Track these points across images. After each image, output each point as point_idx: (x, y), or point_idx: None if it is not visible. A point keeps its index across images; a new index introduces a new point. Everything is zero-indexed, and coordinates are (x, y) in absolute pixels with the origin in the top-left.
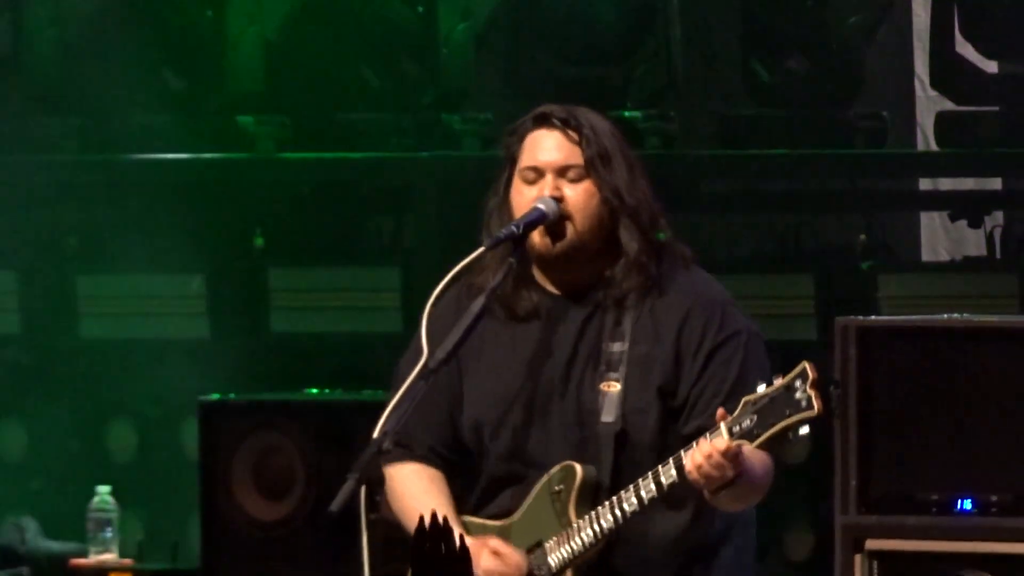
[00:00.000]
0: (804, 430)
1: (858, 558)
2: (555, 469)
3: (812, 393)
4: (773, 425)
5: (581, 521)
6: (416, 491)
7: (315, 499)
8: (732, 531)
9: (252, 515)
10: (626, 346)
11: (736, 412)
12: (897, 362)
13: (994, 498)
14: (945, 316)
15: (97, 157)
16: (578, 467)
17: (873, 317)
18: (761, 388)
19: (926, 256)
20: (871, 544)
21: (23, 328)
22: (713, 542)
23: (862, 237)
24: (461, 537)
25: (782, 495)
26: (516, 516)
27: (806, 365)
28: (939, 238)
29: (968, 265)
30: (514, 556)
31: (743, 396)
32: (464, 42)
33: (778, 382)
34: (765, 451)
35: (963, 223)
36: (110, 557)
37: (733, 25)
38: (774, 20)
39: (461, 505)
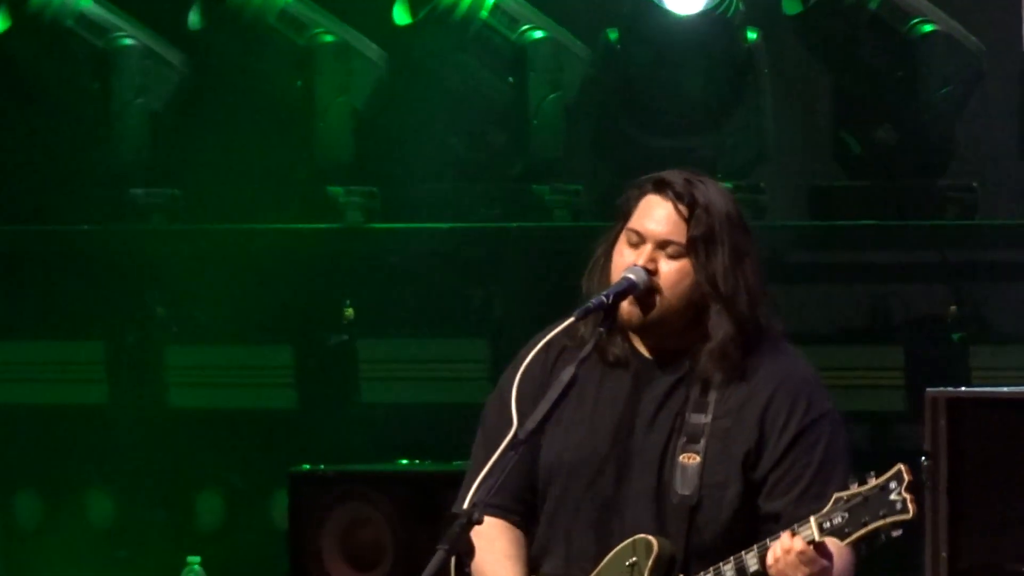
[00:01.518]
0: (896, 532)
1: None
2: (631, 540)
3: (907, 496)
4: (866, 525)
5: None
6: (496, 556)
7: (404, 571)
8: None
9: None
10: (709, 419)
11: (827, 508)
12: (987, 433)
13: None
14: None
15: (186, 227)
16: (655, 542)
17: (963, 388)
18: (854, 486)
19: None
20: None
21: (111, 398)
22: None
23: (953, 308)
24: None
25: (871, 569)
26: None
27: (902, 468)
28: None
29: None
30: None
31: (824, 483)
32: (554, 113)
33: (872, 481)
34: (848, 548)
35: None
36: None
37: (823, 95)
38: (864, 91)
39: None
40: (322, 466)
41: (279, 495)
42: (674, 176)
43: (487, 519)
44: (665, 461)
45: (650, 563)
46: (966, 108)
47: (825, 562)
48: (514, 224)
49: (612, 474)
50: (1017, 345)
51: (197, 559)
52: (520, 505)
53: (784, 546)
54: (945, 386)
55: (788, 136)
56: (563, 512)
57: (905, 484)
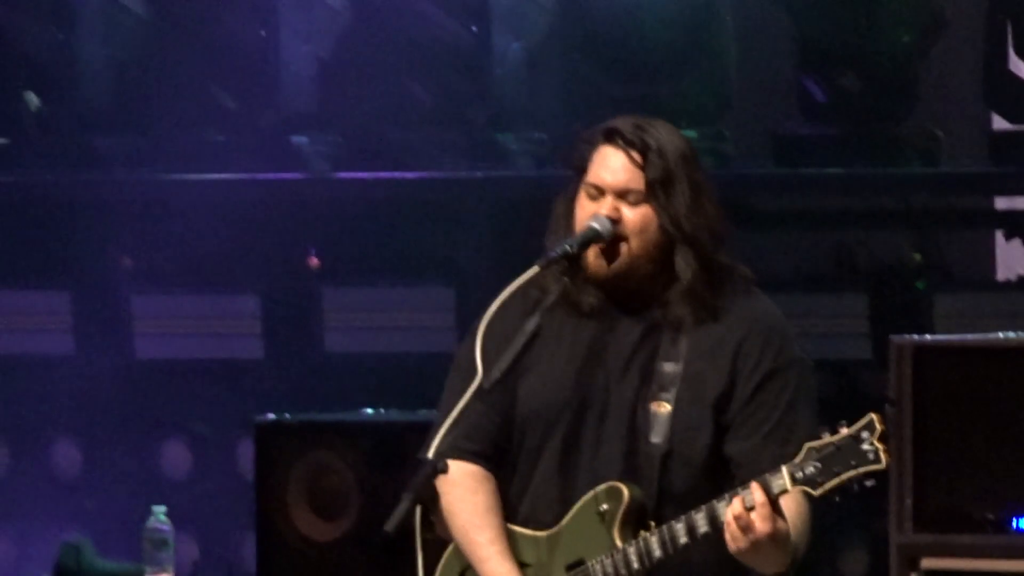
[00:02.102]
0: (869, 482)
1: None
2: (602, 487)
3: (880, 446)
4: (838, 475)
5: (627, 545)
6: (475, 508)
7: (370, 519)
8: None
9: (307, 535)
10: (680, 367)
11: (800, 458)
12: (952, 381)
13: None
14: (1000, 335)
15: (150, 176)
16: (625, 489)
17: (927, 336)
18: (825, 435)
19: (1001, 275)
20: (926, 563)
21: (77, 348)
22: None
23: (916, 255)
24: None
25: (837, 513)
26: (555, 530)
27: (873, 417)
28: (1016, 256)
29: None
30: None
31: (791, 426)
32: (518, 61)
33: (843, 431)
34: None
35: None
36: None
37: (786, 43)
38: (827, 37)
39: (504, 505)
40: (287, 415)
41: (245, 444)
42: (623, 124)
43: (464, 465)
44: (637, 409)
45: (621, 510)
46: (929, 54)
47: (783, 524)
48: (479, 173)
49: (585, 423)
50: (981, 292)
51: (163, 508)
52: (495, 452)
53: (737, 509)
54: (910, 333)
55: (751, 83)
56: (536, 462)
57: (877, 433)
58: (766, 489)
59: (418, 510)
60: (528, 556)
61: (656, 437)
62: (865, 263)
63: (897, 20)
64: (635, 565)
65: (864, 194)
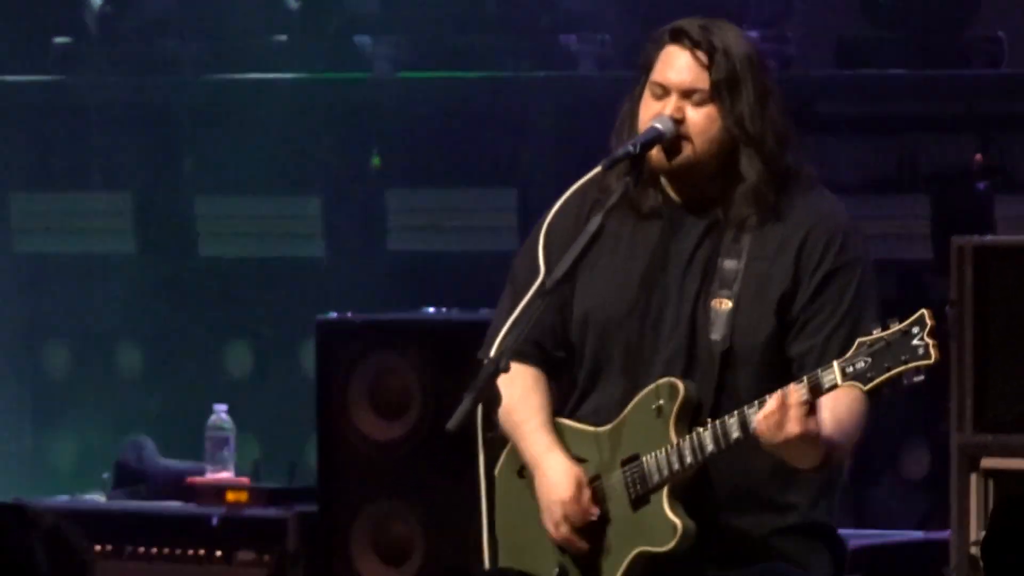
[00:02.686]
0: (919, 378)
1: (973, 477)
2: (658, 383)
3: (930, 341)
4: (889, 370)
5: (682, 440)
6: (515, 391)
7: (432, 418)
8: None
9: (369, 435)
10: (742, 264)
11: (850, 353)
12: (1013, 282)
13: None
14: None
15: (213, 78)
16: (681, 385)
17: (989, 237)
18: (876, 331)
19: None
20: (986, 463)
21: (139, 249)
22: (821, 479)
23: (977, 158)
24: None
25: (899, 414)
26: (613, 424)
27: (924, 313)
28: None
29: None
30: (594, 510)
31: (854, 324)
32: None
33: (895, 326)
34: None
35: None
36: (227, 476)
37: None
38: None
39: (560, 404)
40: (349, 314)
41: (307, 344)
42: (690, 24)
43: (518, 367)
44: (698, 307)
45: (676, 406)
46: None
47: (814, 426)
48: (541, 73)
49: (645, 323)
50: None
51: (225, 407)
52: (544, 354)
53: (772, 406)
54: (971, 235)
55: None
56: (597, 362)
57: (928, 329)
58: (816, 386)
59: (480, 409)
60: (587, 451)
61: (716, 334)
62: (927, 165)
63: None
64: (688, 459)
65: (927, 97)
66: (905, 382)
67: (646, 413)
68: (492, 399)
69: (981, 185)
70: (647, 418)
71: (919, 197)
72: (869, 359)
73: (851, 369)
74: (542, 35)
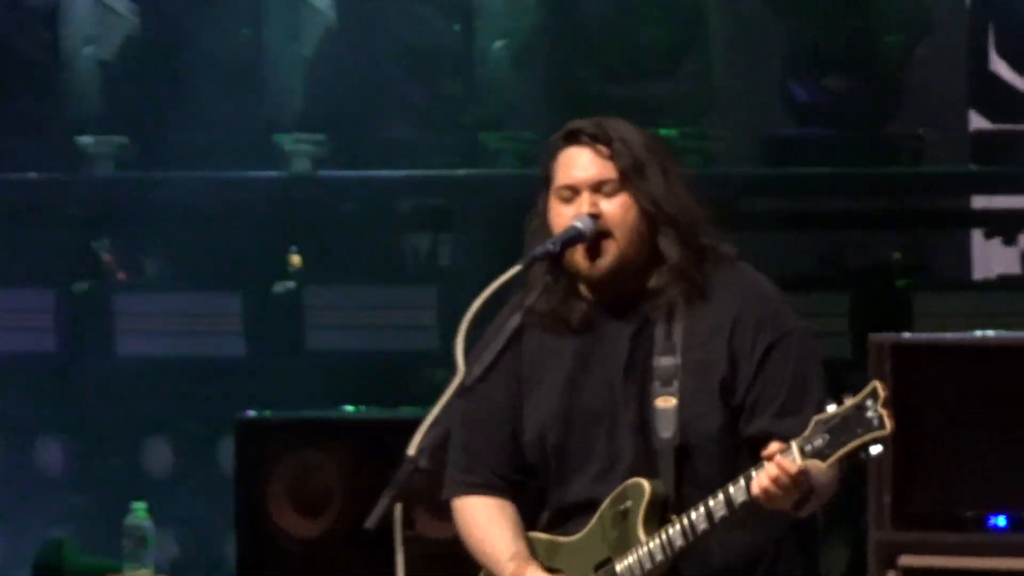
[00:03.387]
0: (876, 449)
1: (891, 574)
2: (625, 485)
3: (884, 412)
4: (845, 444)
5: (651, 539)
6: (483, 525)
7: (352, 516)
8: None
9: (289, 532)
10: (679, 359)
11: (807, 431)
12: (931, 379)
13: None
14: (978, 333)
15: (135, 175)
16: (646, 484)
17: (907, 335)
18: (831, 408)
19: (978, 274)
20: (904, 560)
21: (60, 346)
22: (775, 547)
23: (896, 255)
24: None
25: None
26: (584, 532)
27: (877, 385)
28: (992, 255)
29: (1005, 283)
30: None
31: (802, 394)
32: (502, 60)
33: (848, 401)
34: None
35: (997, 241)
36: (146, 573)
37: (774, 44)
38: (815, 38)
39: (531, 524)
40: (269, 413)
41: (226, 442)
42: (581, 123)
43: (471, 499)
44: (644, 405)
45: (643, 507)
46: (915, 56)
47: (809, 484)
48: (463, 172)
49: (595, 434)
50: (960, 292)
51: (143, 505)
52: (501, 481)
53: (771, 474)
54: (890, 332)
55: (739, 84)
56: (559, 476)
57: (881, 400)
58: (781, 465)
59: (399, 507)
60: (561, 562)
61: (666, 432)
62: (847, 262)
63: (884, 21)
64: (659, 557)
65: (849, 194)
66: (864, 456)
67: (614, 516)
68: (411, 496)
69: (900, 282)
70: (615, 521)
71: (838, 294)
72: (827, 435)
73: (809, 448)
74: (465, 132)
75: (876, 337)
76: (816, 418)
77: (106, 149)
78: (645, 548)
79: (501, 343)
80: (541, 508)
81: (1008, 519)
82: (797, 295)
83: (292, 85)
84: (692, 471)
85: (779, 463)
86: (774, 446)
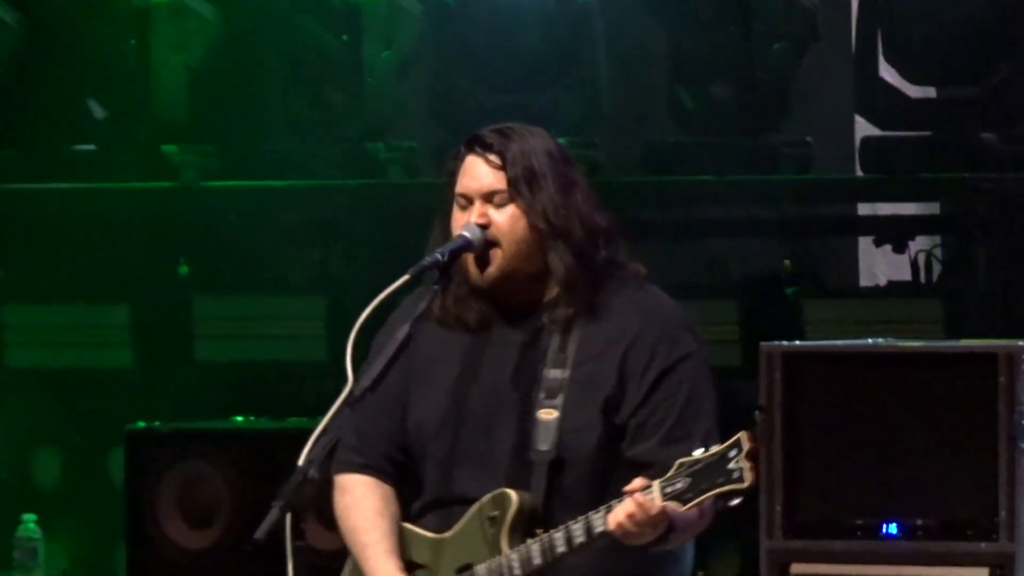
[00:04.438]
0: (735, 501)
1: None
2: (493, 494)
3: (746, 465)
4: (704, 492)
5: (512, 552)
6: (364, 511)
7: (241, 527)
8: (664, 564)
9: (178, 543)
10: (568, 372)
11: (671, 472)
12: (822, 387)
13: (919, 522)
14: (869, 341)
15: (22, 187)
16: (514, 496)
17: (797, 343)
18: (698, 452)
19: (864, 281)
20: (796, 568)
21: None
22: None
23: (786, 263)
24: None
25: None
26: (449, 534)
27: (742, 436)
28: (878, 263)
29: (894, 290)
30: None
31: (692, 421)
32: (388, 70)
33: (714, 448)
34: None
35: (888, 248)
36: None
37: (658, 52)
38: (699, 46)
39: (406, 511)
40: (158, 424)
41: (116, 453)
42: (486, 132)
43: (354, 477)
44: (525, 417)
45: (510, 516)
46: (800, 63)
47: (669, 523)
48: (350, 181)
49: (472, 435)
50: (850, 299)
51: (33, 517)
52: (390, 465)
53: (627, 509)
54: (780, 340)
55: (623, 92)
56: (429, 472)
57: (744, 452)
58: (640, 503)
59: (288, 517)
60: (425, 557)
61: (544, 444)
62: (735, 271)
63: (769, 29)
64: (517, 572)
65: (735, 202)
66: (720, 506)
67: (481, 523)
68: (301, 507)
69: (789, 289)
70: (480, 528)
71: (727, 302)
72: (689, 479)
73: (670, 489)
74: (351, 142)
75: (767, 346)
76: (680, 461)
77: None
78: (505, 560)
79: (390, 353)
80: (416, 496)
81: (899, 527)
82: (686, 304)
83: (178, 95)
84: (564, 486)
85: (638, 501)
86: (636, 482)
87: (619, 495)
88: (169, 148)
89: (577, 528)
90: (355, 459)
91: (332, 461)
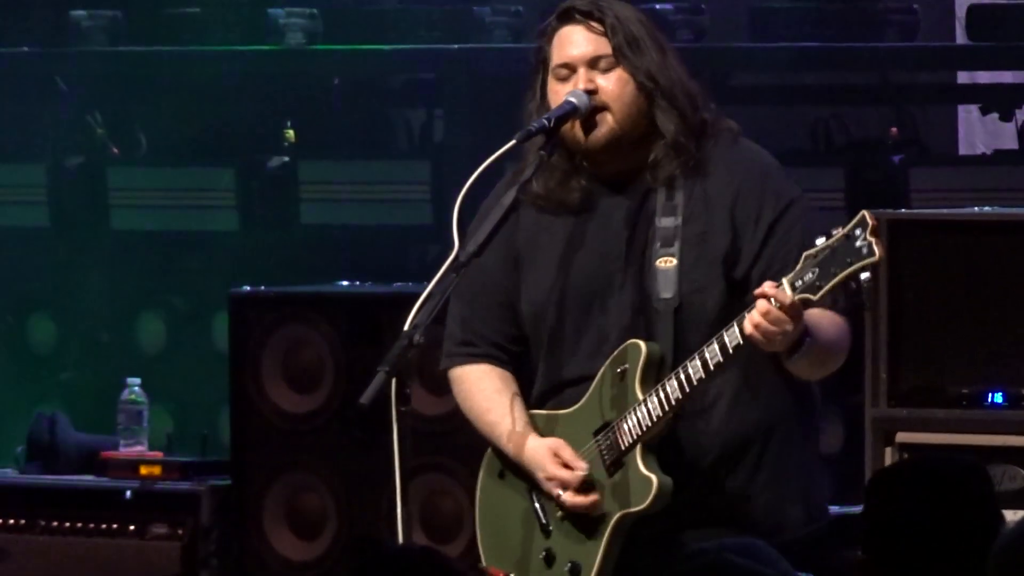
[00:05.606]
0: (865, 275)
1: (888, 451)
2: (620, 348)
3: (872, 240)
4: (835, 275)
5: (648, 396)
6: (485, 393)
7: (345, 392)
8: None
9: (282, 408)
10: (679, 221)
11: (798, 267)
12: (927, 255)
13: None
14: (975, 209)
15: (127, 49)
16: (642, 344)
17: (903, 210)
18: (820, 241)
19: (963, 149)
20: (901, 437)
21: (53, 220)
22: (768, 427)
23: (893, 130)
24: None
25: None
26: (582, 402)
27: (865, 213)
28: (977, 131)
29: (1000, 158)
30: (579, 463)
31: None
32: None
33: (837, 233)
34: (831, 308)
35: (995, 116)
36: (140, 449)
37: None
38: None
39: (526, 397)
40: (262, 287)
41: (220, 317)
42: (575, 1)
43: (470, 366)
44: (644, 269)
45: (640, 366)
46: None
47: (802, 320)
48: (455, 45)
49: (597, 298)
50: (955, 167)
51: (138, 380)
52: (501, 352)
53: (762, 308)
54: (885, 208)
55: None
56: (556, 349)
57: (869, 228)
58: (772, 295)
59: (394, 382)
60: (561, 434)
61: (666, 292)
62: (841, 138)
63: None
64: (657, 411)
65: (840, 69)
66: (853, 285)
67: (611, 380)
68: (406, 372)
69: (896, 158)
70: (612, 385)
71: (834, 170)
72: (816, 269)
73: (800, 282)
74: (455, 5)
75: (872, 213)
76: (806, 254)
77: (99, 23)
78: (644, 406)
79: (496, 219)
80: (531, 383)
81: (1004, 395)
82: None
83: None
84: (689, 335)
85: (770, 293)
86: (765, 285)
87: None
88: (275, 11)
89: (711, 351)
90: (464, 350)
91: (442, 353)
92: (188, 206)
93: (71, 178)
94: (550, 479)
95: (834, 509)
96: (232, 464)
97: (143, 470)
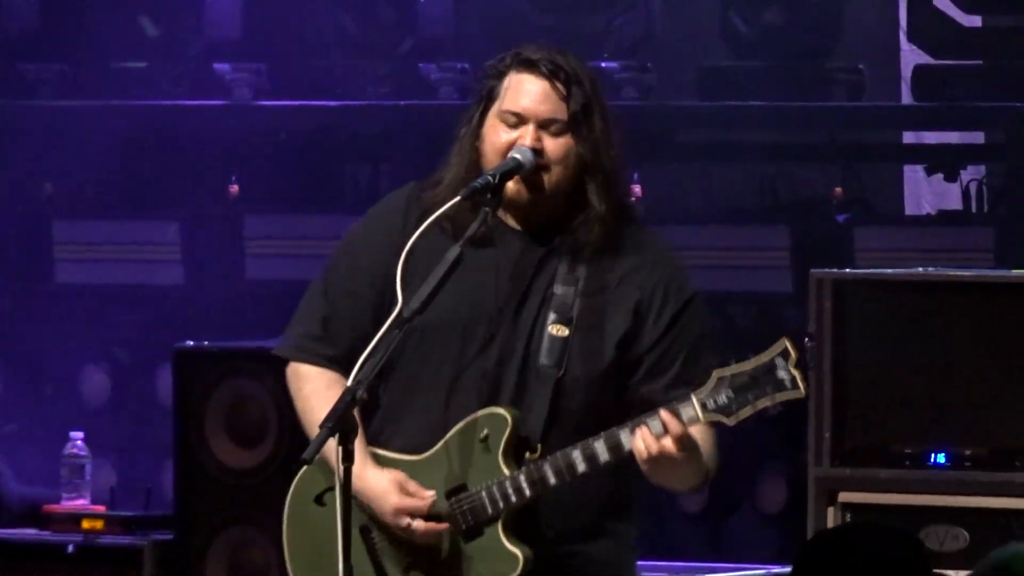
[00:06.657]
0: (777, 408)
1: (831, 510)
2: (483, 413)
3: (796, 373)
4: (754, 402)
5: (517, 472)
6: (331, 399)
7: (289, 447)
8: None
9: (226, 462)
10: (578, 294)
11: (709, 387)
12: (871, 315)
13: (968, 451)
14: (919, 269)
15: (74, 103)
16: (508, 415)
17: (848, 270)
18: (733, 364)
19: (910, 209)
20: (844, 497)
21: None
22: (629, 495)
23: (837, 190)
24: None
25: (757, 447)
26: (431, 452)
27: (786, 344)
28: (923, 191)
29: (945, 219)
30: (425, 493)
31: (695, 363)
32: None
33: (755, 358)
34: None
35: (940, 176)
36: (83, 503)
37: None
38: None
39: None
40: (207, 342)
41: (164, 371)
42: (538, 52)
43: (323, 371)
44: (533, 332)
45: (505, 438)
46: None
47: (694, 442)
48: (402, 102)
49: (476, 343)
50: (901, 227)
51: (80, 434)
52: (349, 364)
53: (664, 419)
54: (830, 267)
55: (676, 16)
56: (412, 382)
57: (792, 360)
58: (676, 417)
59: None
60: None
61: (549, 360)
62: (787, 196)
63: None
64: (527, 492)
65: (787, 127)
66: (769, 411)
67: (471, 443)
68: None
69: (841, 217)
70: (471, 448)
71: (779, 228)
72: (731, 392)
73: (712, 403)
74: (402, 62)
75: (817, 272)
76: (718, 374)
77: (46, 75)
78: (511, 480)
79: (440, 274)
80: (383, 409)
81: (948, 456)
82: (737, 228)
83: (230, 13)
84: (565, 406)
85: (674, 411)
86: (669, 416)
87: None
88: (221, 66)
89: (599, 445)
90: (319, 350)
91: (286, 336)
92: (133, 259)
93: (17, 231)
94: (399, 509)
95: (775, 569)
96: (176, 518)
97: (85, 524)
